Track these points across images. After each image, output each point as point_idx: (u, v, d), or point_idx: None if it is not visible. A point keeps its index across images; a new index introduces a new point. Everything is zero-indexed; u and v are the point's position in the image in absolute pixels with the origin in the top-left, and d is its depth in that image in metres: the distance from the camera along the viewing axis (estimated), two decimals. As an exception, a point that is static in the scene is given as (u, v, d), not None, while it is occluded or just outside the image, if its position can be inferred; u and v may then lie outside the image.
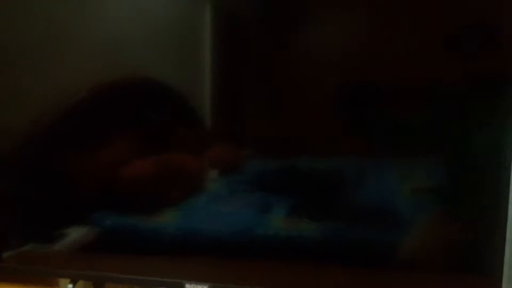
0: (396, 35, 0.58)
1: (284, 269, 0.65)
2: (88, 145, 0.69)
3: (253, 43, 0.63)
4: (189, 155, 0.67)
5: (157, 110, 0.67)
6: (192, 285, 0.66)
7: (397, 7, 0.57)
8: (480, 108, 0.57)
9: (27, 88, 0.70)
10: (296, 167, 0.63)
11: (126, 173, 0.68)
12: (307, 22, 0.61)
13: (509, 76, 0.55)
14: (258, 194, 0.65)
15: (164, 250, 0.69)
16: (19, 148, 0.72)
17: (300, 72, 0.62)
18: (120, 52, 0.66)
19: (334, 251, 0.63)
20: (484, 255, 0.59)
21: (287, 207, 0.64)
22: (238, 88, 0.65)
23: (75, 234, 0.71)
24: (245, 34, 0.64)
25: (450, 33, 0.57)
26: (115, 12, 0.65)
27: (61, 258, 0.73)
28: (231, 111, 0.66)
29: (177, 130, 0.67)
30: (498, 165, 0.57)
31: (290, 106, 0.63)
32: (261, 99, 0.64)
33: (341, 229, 0.63)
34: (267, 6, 0.62)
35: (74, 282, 0.73)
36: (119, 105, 0.68)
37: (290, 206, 0.64)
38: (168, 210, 0.68)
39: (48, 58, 0.69)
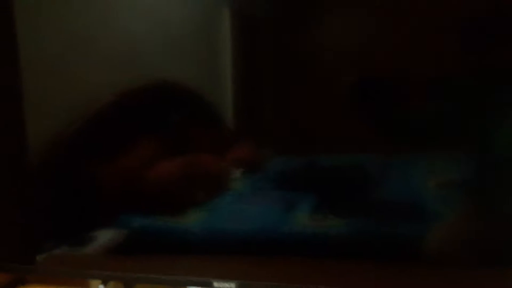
0: (415, 28, 0.57)
1: (311, 265, 0.65)
2: (114, 149, 0.71)
3: (272, 42, 0.64)
4: (212, 155, 0.67)
5: (180, 112, 0.68)
6: (220, 283, 0.66)
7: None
8: (509, 99, 0.56)
9: (57, 95, 0.71)
10: (319, 165, 0.63)
11: (151, 175, 0.69)
12: (325, 19, 0.61)
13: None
14: (281, 192, 0.65)
15: (191, 250, 0.69)
16: (50, 154, 0.74)
17: (320, 69, 0.62)
18: (143, 57, 0.67)
19: (360, 246, 0.63)
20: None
21: (311, 204, 0.64)
22: (259, 87, 0.65)
23: (104, 236, 0.73)
24: (264, 34, 0.64)
25: (467, 25, 0.56)
26: (137, 18, 0.66)
27: (91, 260, 0.74)
28: (252, 111, 0.66)
29: (200, 131, 0.68)
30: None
31: (311, 103, 0.63)
32: (282, 97, 0.65)
33: (367, 225, 0.62)
34: (284, 6, 0.62)
35: (105, 283, 0.75)
36: (144, 109, 0.69)
37: (314, 204, 0.64)
38: (194, 210, 0.68)
39: (74, 66, 0.70)
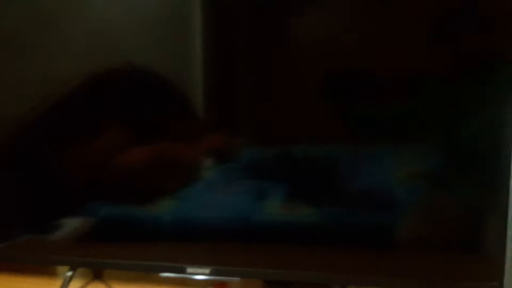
0: (389, 23, 0.59)
1: (283, 251, 0.65)
2: (81, 135, 0.69)
3: (244, 30, 0.63)
4: (183, 144, 0.67)
5: (150, 99, 0.67)
6: (194, 268, 0.65)
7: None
8: (474, 92, 0.58)
9: (22, 79, 0.69)
10: (290, 154, 0.64)
11: (120, 163, 0.68)
12: (299, 9, 0.61)
13: (500, 59, 0.56)
14: (253, 181, 0.65)
15: (162, 238, 0.69)
16: (14, 139, 0.72)
17: (293, 58, 0.62)
18: (113, 42, 0.66)
19: (331, 234, 0.63)
20: (485, 237, 0.59)
21: (283, 193, 0.64)
22: (231, 76, 0.65)
23: (71, 224, 0.71)
24: (237, 22, 0.64)
25: (437, 18, 0.57)
26: (109, 3, 0.65)
27: (58, 248, 0.72)
28: (224, 100, 0.66)
29: (171, 119, 0.67)
30: (495, 147, 0.57)
31: (283, 93, 0.63)
32: (254, 86, 0.64)
33: (338, 213, 0.63)
34: None
35: (73, 270, 0.72)
36: (112, 95, 0.68)
37: (286, 192, 0.64)
38: (164, 199, 0.68)
39: (42, 48, 0.68)
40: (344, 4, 0.60)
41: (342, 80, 0.61)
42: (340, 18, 0.60)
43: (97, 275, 0.77)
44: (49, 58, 0.68)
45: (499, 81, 0.56)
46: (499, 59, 0.56)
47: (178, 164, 0.67)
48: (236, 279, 0.65)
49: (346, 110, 0.62)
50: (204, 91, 0.65)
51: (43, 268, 0.80)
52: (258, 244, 0.66)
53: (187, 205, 0.67)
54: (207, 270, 0.65)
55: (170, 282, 0.72)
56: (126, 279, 0.75)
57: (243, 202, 0.65)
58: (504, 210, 0.58)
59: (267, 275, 0.66)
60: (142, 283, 0.74)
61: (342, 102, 0.62)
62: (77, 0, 0.66)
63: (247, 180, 0.65)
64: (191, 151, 0.66)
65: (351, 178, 0.62)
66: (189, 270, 0.65)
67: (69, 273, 0.72)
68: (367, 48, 0.60)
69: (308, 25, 0.61)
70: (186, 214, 0.67)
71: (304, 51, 0.62)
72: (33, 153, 0.71)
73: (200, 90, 0.65)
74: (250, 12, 0.63)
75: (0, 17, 0.68)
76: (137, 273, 0.76)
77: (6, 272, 0.79)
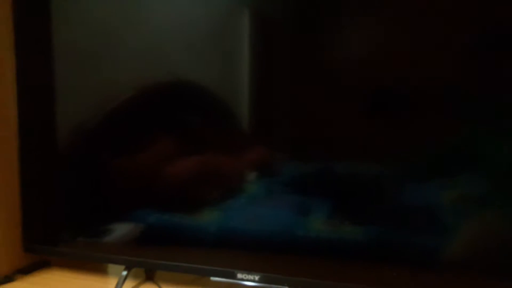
0: (440, 40, 0.58)
1: (328, 266, 0.66)
2: (131, 145, 0.73)
3: (290, 46, 0.64)
4: (227, 157, 0.68)
5: (198, 112, 0.69)
6: (244, 275, 0.67)
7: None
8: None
9: (80, 90, 0.74)
10: (334, 171, 0.64)
11: (168, 173, 0.70)
12: (342, 24, 0.62)
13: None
14: (295, 196, 0.66)
15: (209, 245, 0.71)
16: (69, 148, 0.76)
17: (338, 75, 0.63)
18: (163, 56, 0.69)
19: (376, 252, 0.63)
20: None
21: (326, 210, 0.64)
22: (276, 91, 0.66)
23: (121, 230, 0.74)
24: (282, 37, 0.65)
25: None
26: (159, 18, 0.69)
27: (113, 248, 0.76)
28: (268, 114, 0.67)
29: (216, 132, 0.69)
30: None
31: (328, 108, 0.64)
32: (299, 101, 0.65)
33: (384, 232, 0.63)
34: (302, 9, 0.63)
35: (128, 269, 0.76)
36: (162, 106, 0.70)
37: (329, 209, 0.64)
38: (209, 209, 0.70)
39: (98, 61, 0.73)
40: (390, 20, 0.60)
41: (387, 97, 0.61)
42: (386, 30, 0.61)
43: (149, 277, 0.80)
44: (106, 72, 0.72)
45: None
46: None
47: (222, 176, 0.69)
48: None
49: (391, 127, 0.62)
50: (249, 105, 0.67)
51: (96, 268, 0.84)
52: (303, 256, 0.66)
53: (229, 217, 0.68)
54: (256, 277, 0.67)
55: (220, 287, 0.74)
56: (176, 281, 0.77)
57: (285, 216, 0.66)
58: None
59: (315, 286, 0.66)
60: (190, 286, 0.76)
61: (387, 120, 0.62)
62: (133, 18, 0.70)
63: (290, 195, 0.66)
64: (235, 164, 0.68)
65: (396, 196, 0.62)
66: (239, 275, 0.67)
67: (124, 273, 0.75)
68: (417, 65, 0.60)
69: (353, 41, 0.62)
70: (230, 225, 0.69)
71: (350, 66, 0.62)
72: (88, 161, 0.76)
73: (246, 104, 0.67)
74: (297, 30, 0.64)
75: (64, 30, 0.73)
76: (186, 276, 0.78)
77: (62, 268, 0.84)
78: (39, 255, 0.82)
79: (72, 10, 0.73)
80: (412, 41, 0.60)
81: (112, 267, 0.85)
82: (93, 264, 0.85)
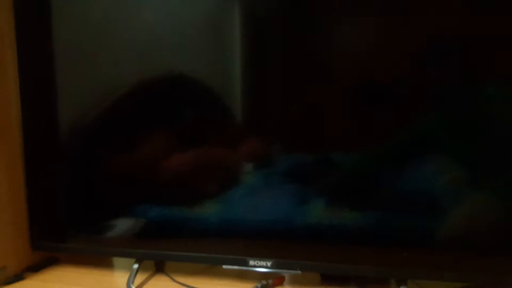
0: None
1: (335, 248, 0.67)
2: (129, 140, 0.73)
3: (283, 40, 0.66)
4: (224, 149, 0.70)
5: (193, 105, 0.70)
6: (256, 261, 0.68)
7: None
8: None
9: (79, 84, 0.75)
10: (330, 160, 0.65)
11: (165, 167, 0.71)
12: (334, 19, 0.64)
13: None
14: (294, 185, 0.67)
15: (212, 237, 0.72)
16: (67, 144, 0.77)
17: (333, 66, 0.65)
18: (158, 51, 0.70)
19: (375, 236, 0.65)
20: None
21: (325, 197, 0.66)
22: (270, 83, 0.68)
23: (122, 225, 0.75)
24: (275, 31, 0.66)
25: None
26: (152, 14, 0.70)
27: (120, 242, 0.76)
28: (263, 106, 0.69)
29: (212, 125, 0.70)
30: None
31: (322, 99, 0.65)
32: (293, 94, 0.67)
33: (382, 217, 0.65)
34: (293, 3, 0.65)
35: (139, 262, 0.76)
36: (158, 101, 0.71)
37: (327, 197, 0.66)
38: (208, 202, 0.71)
39: (98, 58, 0.73)
40: (382, 17, 0.62)
41: (379, 88, 0.63)
42: (379, 25, 0.63)
43: (159, 269, 0.81)
44: (103, 67, 0.73)
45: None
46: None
47: (220, 168, 0.70)
48: (296, 272, 0.67)
49: (385, 118, 0.64)
50: (245, 98, 0.68)
51: (103, 264, 0.84)
52: (310, 242, 0.68)
53: (229, 208, 0.70)
54: (268, 263, 0.68)
55: (229, 275, 0.75)
56: (186, 272, 0.78)
57: (285, 205, 0.67)
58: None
59: (328, 268, 0.68)
60: (201, 276, 0.76)
61: (380, 110, 0.63)
62: (131, 14, 0.71)
63: (288, 185, 0.67)
64: (232, 156, 0.69)
65: (393, 182, 0.64)
66: (251, 262, 0.68)
67: (136, 266, 0.75)
68: (406, 55, 0.62)
69: (349, 33, 0.63)
70: (233, 215, 0.70)
71: (343, 57, 0.64)
72: (86, 157, 0.76)
73: (241, 97, 0.68)
74: (288, 24, 0.65)
75: (64, 28, 0.74)
76: (196, 266, 0.79)
77: (71, 264, 0.84)
78: (48, 252, 0.82)
79: (72, 7, 0.73)
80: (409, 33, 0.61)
81: (118, 261, 0.86)
82: (100, 260, 0.85)
